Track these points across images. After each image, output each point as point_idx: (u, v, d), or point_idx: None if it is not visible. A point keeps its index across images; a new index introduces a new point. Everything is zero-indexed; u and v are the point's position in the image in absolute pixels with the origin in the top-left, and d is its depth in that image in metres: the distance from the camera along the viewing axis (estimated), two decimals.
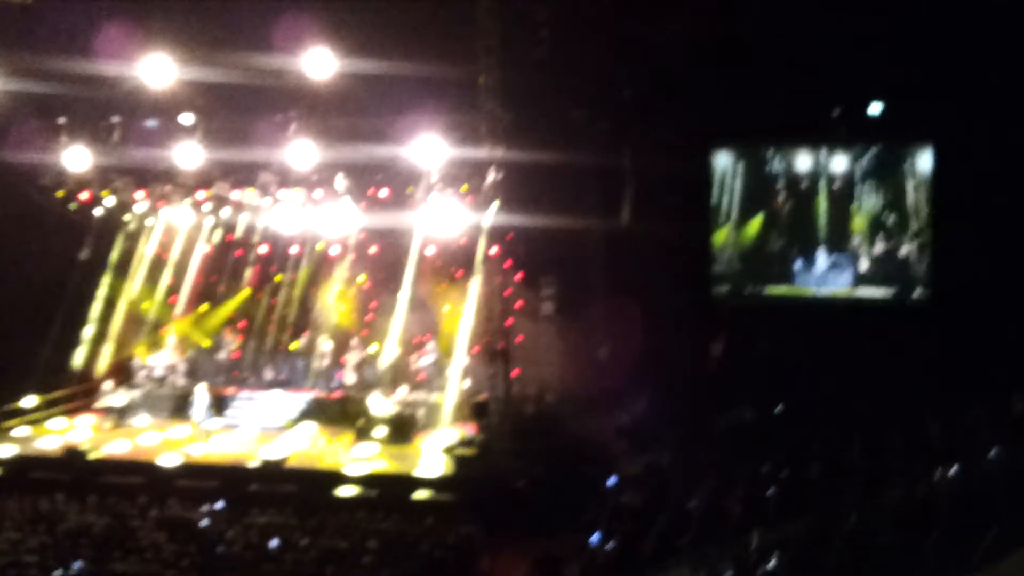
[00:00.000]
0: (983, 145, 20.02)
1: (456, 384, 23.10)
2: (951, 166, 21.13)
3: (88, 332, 26.05)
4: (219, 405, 23.47)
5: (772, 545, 13.49)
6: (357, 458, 20.54)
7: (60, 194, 24.67)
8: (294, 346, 26.04)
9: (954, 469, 15.44)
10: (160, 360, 25.23)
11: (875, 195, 22.09)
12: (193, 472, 19.97)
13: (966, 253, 20.44)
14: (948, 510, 14.05)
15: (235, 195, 24.57)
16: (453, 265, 24.59)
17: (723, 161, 22.94)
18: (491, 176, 20.70)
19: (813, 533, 13.91)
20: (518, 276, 22.33)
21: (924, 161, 21.65)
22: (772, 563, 12.98)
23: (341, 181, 22.85)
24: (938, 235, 21.53)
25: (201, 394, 22.21)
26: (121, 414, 23.70)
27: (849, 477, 16.08)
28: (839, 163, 22.25)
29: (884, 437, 17.24)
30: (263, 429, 22.73)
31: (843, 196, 22.26)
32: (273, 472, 19.79)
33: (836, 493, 15.54)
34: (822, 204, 22.41)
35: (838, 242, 22.36)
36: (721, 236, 23.12)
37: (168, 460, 20.30)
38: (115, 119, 22.30)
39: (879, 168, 22.08)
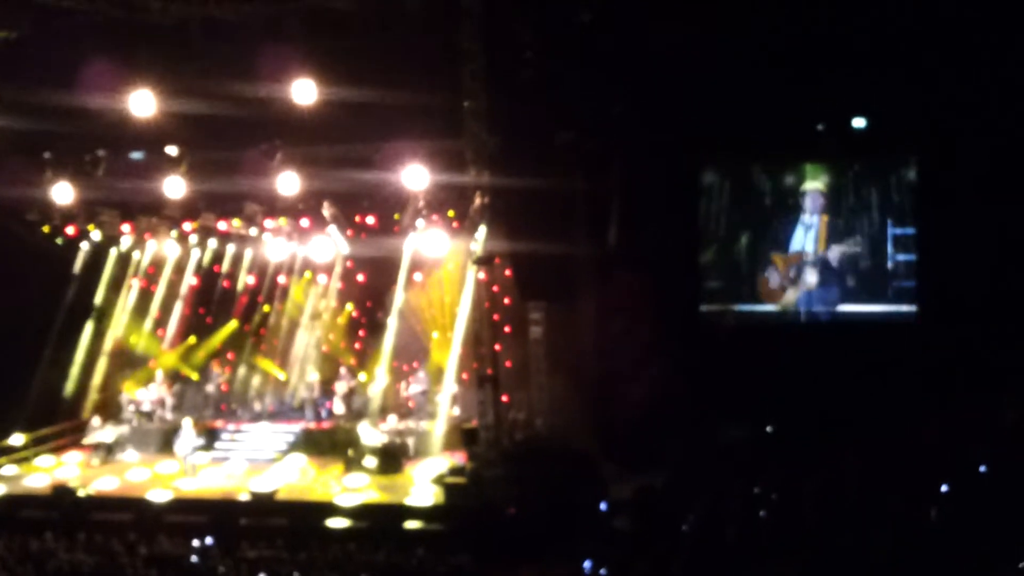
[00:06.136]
0: (968, 159, 20.03)
1: (446, 411, 23.05)
2: (936, 180, 21.11)
3: (75, 368, 25.95)
4: (208, 439, 23.32)
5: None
6: (347, 489, 20.41)
7: (46, 229, 24.59)
8: (283, 377, 25.89)
9: (948, 485, 15.37)
10: (148, 395, 25.05)
11: (861, 211, 22.06)
12: (182, 507, 19.84)
13: (953, 267, 20.43)
14: (942, 526, 13.99)
15: (221, 226, 24.49)
16: (441, 292, 24.49)
17: (709, 179, 22.90)
18: (478, 201, 20.63)
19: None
20: (506, 301, 22.26)
21: (910, 175, 21.64)
22: None
23: (327, 209, 22.79)
24: (924, 249, 21.50)
25: (187, 428, 22.06)
26: (109, 450, 23.56)
27: (843, 496, 15.98)
28: (825, 179, 22.23)
29: (876, 454, 17.18)
30: (252, 462, 22.60)
31: (829, 212, 22.24)
32: (263, 505, 19.64)
33: (830, 512, 15.43)
34: (808, 220, 22.38)
35: (825, 258, 22.31)
36: (709, 254, 23.08)
37: (157, 496, 20.14)
38: (100, 152, 22.18)
39: (865, 183, 22.06)
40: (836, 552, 13.69)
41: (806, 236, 22.37)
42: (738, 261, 22.93)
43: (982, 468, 15.90)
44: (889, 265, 21.89)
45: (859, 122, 21.30)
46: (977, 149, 19.89)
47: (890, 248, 21.88)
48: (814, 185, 22.28)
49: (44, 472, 22.59)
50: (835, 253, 22.17)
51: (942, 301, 20.83)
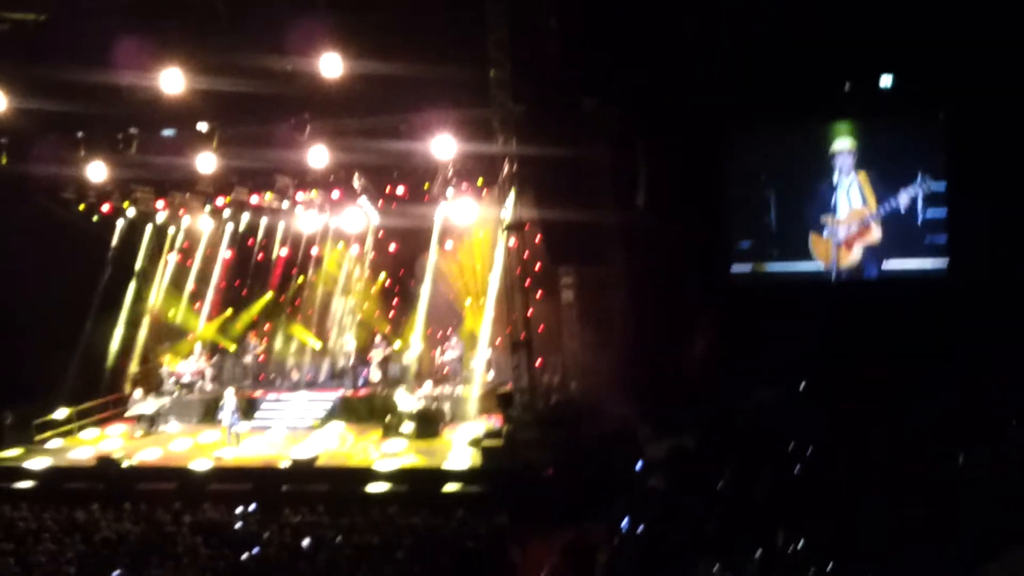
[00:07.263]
0: (996, 115, 19.92)
1: (480, 376, 23.33)
2: (963, 137, 20.97)
3: (116, 342, 26.37)
4: (248, 408, 23.71)
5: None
6: (386, 454, 20.71)
7: (82, 207, 24.96)
8: (318, 347, 26.22)
9: (977, 449, 15.41)
10: (187, 367, 25.46)
11: (889, 169, 22.01)
12: (225, 476, 20.14)
13: (983, 224, 20.38)
14: (971, 492, 14.03)
15: (254, 199, 24.80)
16: (472, 258, 24.70)
17: (736, 140, 22.86)
18: (506, 169, 20.75)
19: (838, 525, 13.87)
20: (537, 267, 22.43)
21: (938, 131, 21.53)
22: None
23: (357, 180, 23.01)
24: (953, 205, 21.45)
25: (229, 398, 22.41)
26: (151, 422, 23.95)
27: (873, 457, 16.08)
28: (853, 138, 22.17)
29: (906, 415, 17.25)
30: (292, 430, 22.96)
31: (864, 168, 22.20)
32: (304, 472, 19.92)
33: (861, 474, 15.52)
34: (838, 179, 22.36)
35: (855, 217, 22.30)
36: (738, 215, 23.10)
37: (200, 465, 20.51)
38: (132, 130, 22.45)
39: (893, 140, 22.00)
40: (868, 511, 13.82)
41: (849, 194, 22.36)
42: (768, 222, 22.94)
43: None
44: (919, 223, 21.87)
45: (886, 80, 21.18)
46: (1006, 106, 19.78)
47: (920, 203, 21.85)
48: (842, 146, 22.21)
49: (88, 444, 23.02)
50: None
51: (972, 259, 20.78)
